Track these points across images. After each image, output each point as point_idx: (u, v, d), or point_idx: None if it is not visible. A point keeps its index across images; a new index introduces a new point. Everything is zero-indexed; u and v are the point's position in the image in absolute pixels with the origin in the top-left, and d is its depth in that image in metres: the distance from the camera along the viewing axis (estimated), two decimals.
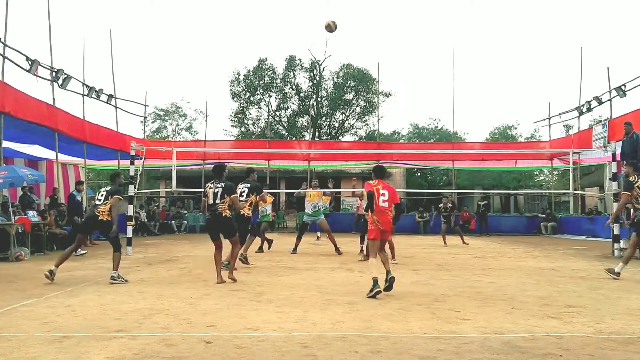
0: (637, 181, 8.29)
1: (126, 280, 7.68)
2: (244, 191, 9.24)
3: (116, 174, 8.70)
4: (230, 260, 8.20)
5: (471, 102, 60.46)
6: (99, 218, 7.84)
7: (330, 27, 12.00)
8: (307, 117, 37.11)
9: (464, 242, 14.84)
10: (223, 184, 7.88)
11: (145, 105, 23.02)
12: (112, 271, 7.69)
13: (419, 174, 36.59)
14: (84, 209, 13.73)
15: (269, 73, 37.32)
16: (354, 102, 38.06)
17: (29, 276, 8.34)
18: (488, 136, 39.56)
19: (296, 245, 12.28)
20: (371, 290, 6.47)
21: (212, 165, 8.37)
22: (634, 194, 8.27)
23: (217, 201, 7.78)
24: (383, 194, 6.94)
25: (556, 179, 31.44)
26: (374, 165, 7.86)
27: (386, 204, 6.91)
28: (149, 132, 38.01)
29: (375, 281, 6.48)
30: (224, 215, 7.76)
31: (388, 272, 6.75)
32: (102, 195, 7.96)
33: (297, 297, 6.38)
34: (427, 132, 38.96)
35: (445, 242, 14.81)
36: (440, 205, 16.24)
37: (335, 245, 12.05)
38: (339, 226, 20.24)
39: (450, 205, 15.31)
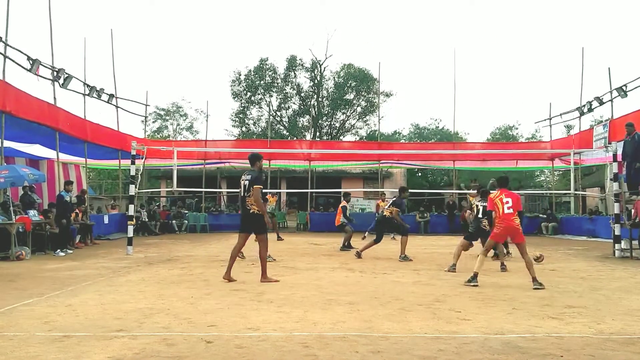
0: None
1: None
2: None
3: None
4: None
5: (472, 102, 60.55)
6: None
7: None
8: (308, 117, 37.15)
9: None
10: (250, 175, 7.59)
11: (146, 105, 23.03)
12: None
13: (419, 174, 36.60)
14: (74, 209, 13.62)
15: (270, 73, 37.35)
16: (354, 102, 38.07)
17: (30, 275, 8.35)
18: (489, 136, 39.64)
19: None
20: (469, 281, 7.40)
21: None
22: None
23: (246, 194, 7.54)
24: (507, 202, 7.51)
25: (557, 179, 31.43)
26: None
27: (511, 210, 7.45)
28: (150, 132, 38.05)
29: (475, 275, 7.37)
30: (250, 211, 7.49)
31: (534, 279, 7.26)
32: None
33: (297, 297, 6.38)
34: (428, 132, 38.99)
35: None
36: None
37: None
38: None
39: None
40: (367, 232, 16.21)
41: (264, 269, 7.74)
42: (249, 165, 7.98)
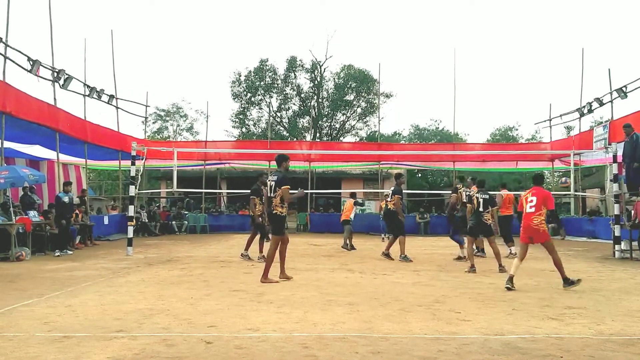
0: None
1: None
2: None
3: None
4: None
5: (472, 103, 60.57)
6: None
7: None
8: (308, 117, 37.14)
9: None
10: (276, 176, 7.78)
11: (146, 106, 23.03)
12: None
13: (419, 175, 36.60)
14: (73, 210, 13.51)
15: (270, 74, 37.35)
16: (354, 103, 38.07)
17: (30, 276, 8.35)
18: (489, 137, 39.62)
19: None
20: (507, 283, 7.18)
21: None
22: None
23: (272, 195, 7.73)
24: (531, 201, 7.41)
25: (557, 180, 31.42)
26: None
27: (532, 210, 7.35)
28: (150, 133, 38.02)
29: (510, 278, 7.19)
30: (273, 212, 7.71)
31: (564, 279, 7.30)
32: None
33: (297, 298, 6.38)
34: (428, 133, 38.99)
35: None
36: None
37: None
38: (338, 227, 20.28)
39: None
40: (383, 235, 16.45)
41: (266, 269, 7.73)
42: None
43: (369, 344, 4.31)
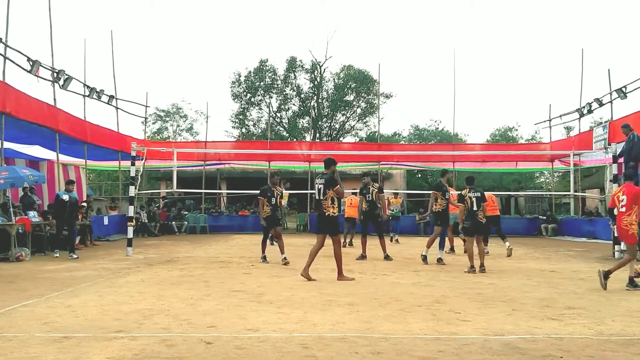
0: None
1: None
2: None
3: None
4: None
5: (472, 104, 60.55)
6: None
7: None
8: (307, 118, 37.12)
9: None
10: (324, 179, 8.02)
11: (146, 106, 23.01)
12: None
13: (419, 175, 36.57)
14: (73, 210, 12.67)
15: (270, 74, 37.33)
16: (354, 103, 38.06)
17: (30, 276, 8.35)
18: (489, 138, 39.57)
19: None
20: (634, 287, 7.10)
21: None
22: None
23: (321, 197, 7.96)
24: (622, 200, 7.20)
25: (557, 180, 31.43)
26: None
27: (623, 209, 7.16)
28: (150, 133, 38.00)
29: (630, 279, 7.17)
30: (326, 213, 7.90)
31: (631, 278, 7.20)
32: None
33: (297, 298, 6.38)
34: (428, 134, 38.95)
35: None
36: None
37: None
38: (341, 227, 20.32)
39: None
40: (393, 235, 16.54)
41: (339, 268, 8.03)
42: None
43: (369, 344, 4.31)
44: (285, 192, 15.16)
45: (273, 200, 10.35)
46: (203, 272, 8.93)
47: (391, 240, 15.84)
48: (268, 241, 10.99)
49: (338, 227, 8.14)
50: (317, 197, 8.14)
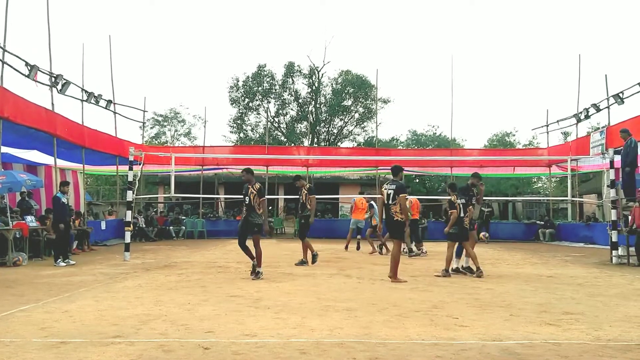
0: None
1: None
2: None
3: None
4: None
5: (470, 109, 60.61)
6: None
7: None
8: (305, 123, 37.16)
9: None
10: (394, 185, 8.27)
11: (144, 111, 23.03)
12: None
13: (417, 180, 36.60)
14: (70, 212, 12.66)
15: (268, 79, 37.43)
16: (352, 108, 38.16)
17: (27, 281, 8.33)
18: (486, 143, 39.62)
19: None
20: None
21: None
22: None
23: (390, 202, 8.23)
24: None
25: (554, 185, 31.48)
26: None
27: None
28: (148, 138, 37.97)
29: None
30: (394, 218, 8.23)
31: None
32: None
33: (295, 303, 6.37)
34: (426, 139, 38.97)
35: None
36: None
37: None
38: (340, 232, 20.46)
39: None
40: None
41: (395, 270, 8.34)
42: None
43: (367, 350, 4.30)
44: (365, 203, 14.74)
45: (247, 199, 8.65)
46: (201, 277, 8.91)
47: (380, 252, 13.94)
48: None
49: (403, 231, 8.56)
50: (385, 202, 8.41)
